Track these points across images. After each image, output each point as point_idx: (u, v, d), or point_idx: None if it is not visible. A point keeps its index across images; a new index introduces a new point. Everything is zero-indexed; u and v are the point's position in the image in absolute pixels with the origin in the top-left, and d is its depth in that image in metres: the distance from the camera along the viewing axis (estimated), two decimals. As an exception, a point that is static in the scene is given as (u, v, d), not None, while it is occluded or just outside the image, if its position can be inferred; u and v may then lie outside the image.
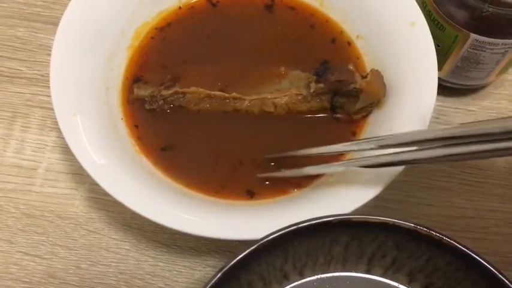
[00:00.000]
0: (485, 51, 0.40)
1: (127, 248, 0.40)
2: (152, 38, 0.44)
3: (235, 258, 0.29)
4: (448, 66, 0.43)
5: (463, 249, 0.30)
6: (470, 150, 0.29)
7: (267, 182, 0.39)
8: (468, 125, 0.29)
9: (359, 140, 0.37)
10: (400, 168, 0.35)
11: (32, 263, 0.40)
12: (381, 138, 0.33)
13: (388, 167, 0.34)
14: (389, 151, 0.33)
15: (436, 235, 0.30)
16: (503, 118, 0.28)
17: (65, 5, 0.40)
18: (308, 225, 0.30)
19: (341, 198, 0.35)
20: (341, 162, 0.37)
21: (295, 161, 0.38)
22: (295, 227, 0.30)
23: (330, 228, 0.30)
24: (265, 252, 0.30)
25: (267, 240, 0.29)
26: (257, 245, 0.29)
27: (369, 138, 0.35)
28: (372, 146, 0.33)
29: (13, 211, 0.41)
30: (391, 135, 0.33)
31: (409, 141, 0.31)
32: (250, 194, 0.38)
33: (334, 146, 0.35)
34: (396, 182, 0.36)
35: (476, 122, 0.29)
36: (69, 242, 0.40)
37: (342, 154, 0.39)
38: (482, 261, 0.29)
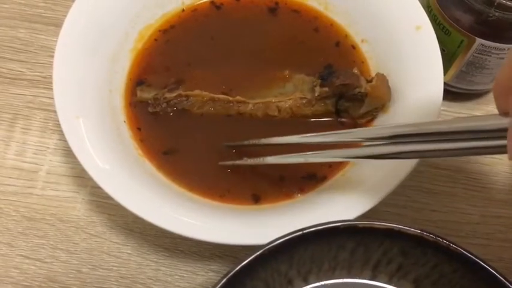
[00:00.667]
0: (490, 56, 0.40)
1: (129, 252, 0.40)
2: (156, 40, 0.44)
3: (241, 263, 0.29)
4: (453, 70, 0.43)
5: (470, 256, 0.29)
6: (461, 146, 0.27)
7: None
8: (486, 118, 0.27)
9: (326, 132, 0.34)
10: (407, 171, 0.35)
11: (32, 267, 0.39)
12: (349, 131, 0.32)
13: (398, 165, 0.33)
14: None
15: (443, 242, 0.29)
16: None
17: (67, 7, 0.40)
18: (314, 230, 0.29)
19: (346, 203, 0.35)
20: (304, 153, 0.34)
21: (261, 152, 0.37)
22: (300, 232, 0.29)
23: (335, 234, 0.30)
24: (271, 257, 0.30)
25: (273, 246, 0.29)
26: (263, 250, 0.29)
27: (338, 131, 0.33)
28: (350, 138, 0.32)
29: (13, 214, 0.41)
30: (361, 129, 0.31)
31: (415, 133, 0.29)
32: (256, 199, 0.38)
33: (292, 136, 0.34)
34: (400, 187, 0.35)
35: (469, 117, 0.27)
36: (70, 246, 0.40)
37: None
38: (490, 269, 0.29)
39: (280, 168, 0.39)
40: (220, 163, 0.39)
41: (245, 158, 0.38)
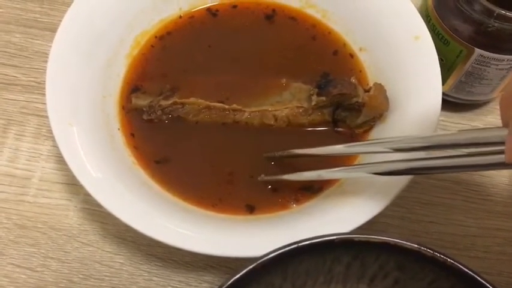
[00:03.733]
0: (490, 66, 0.39)
1: (121, 261, 0.39)
2: (152, 46, 0.44)
3: (233, 277, 0.28)
4: (451, 81, 0.42)
5: (468, 271, 0.29)
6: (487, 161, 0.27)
7: (269, 186, 0.38)
8: (490, 130, 0.27)
9: (364, 141, 0.36)
10: (403, 184, 0.34)
11: (23, 276, 0.39)
12: (389, 140, 0.32)
13: (396, 177, 0.33)
14: (399, 156, 0.31)
15: (440, 257, 0.29)
16: None
17: (63, 12, 0.40)
18: (309, 244, 0.29)
19: (343, 215, 0.34)
20: (345, 168, 0.35)
21: (296, 165, 0.37)
22: (295, 245, 0.29)
23: (331, 247, 0.29)
24: (264, 271, 0.29)
25: (267, 259, 0.28)
26: (256, 263, 0.28)
27: (375, 140, 0.33)
28: (380, 148, 0.32)
29: (5, 222, 0.40)
30: (401, 137, 0.32)
31: (422, 146, 0.30)
32: (250, 209, 0.37)
33: (336, 146, 0.34)
34: (398, 199, 0.35)
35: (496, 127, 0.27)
36: (62, 255, 0.39)
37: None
38: (488, 285, 0.28)
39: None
40: (260, 178, 0.38)
41: (285, 175, 0.37)
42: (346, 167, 0.36)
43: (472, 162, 0.28)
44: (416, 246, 0.29)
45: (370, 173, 0.32)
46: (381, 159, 0.32)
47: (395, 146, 0.31)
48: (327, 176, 0.35)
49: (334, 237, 0.29)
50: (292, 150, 0.37)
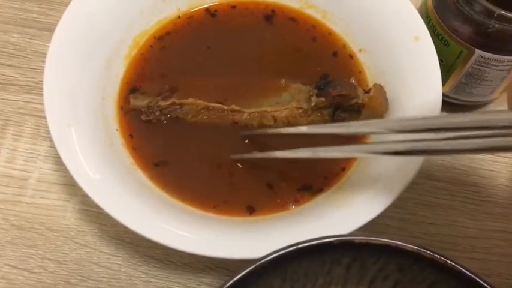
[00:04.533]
0: (490, 67, 0.39)
1: (119, 262, 0.39)
2: (151, 46, 0.43)
3: (232, 279, 0.28)
4: (451, 82, 0.42)
5: (468, 273, 0.28)
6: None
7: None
8: (497, 113, 0.26)
9: (360, 121, 0.34)
10: (403, 185, 0.34)
11: (20, 277, 0.38)
12: (387, 121, 0.31)
13: (395, 178, 0.33)
14: (400, 137, 0.30)
15: (440, 259, 0.28)
16: None
17: (61, 12, 0.39)
18: (308, 245, 0.28)
19: (342, 216, 0.34)
20: (342, 146, 0.33)
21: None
22: (295, 247, 0.28)
23: (330, 249, 0.29)
24: (263, 273, 0.29)
25: (266, 261, 0.28)
26: (255, 265, 0.28)
27: (372, 120, 0.32)
28: (377, 129, 0.30)
29: (2, 222, 0.40)
30: (401, 118, 0.30)
31: (423, 129, 0.28)
32: (250, 210, 0.37)
33: (330, 124, 0.34)
34: (398, 200, 0.35)
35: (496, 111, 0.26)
36: (59, 256, 0.39)
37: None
38: (488, 286, 0.28)
39: (276, 180, 0.38)
40: (232, 156, 0.38)
41: (254, 152, 0.37)
42: (344, 146, 0.33)
43: (478, 144, 0.26)
44: (416, 248, 0.29)
45: (368, 153, 0.31)
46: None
47: (394, 126, 0.30)
48: (323, 155, 0.33)
49: (334, 238, 0.29)
50: (277, 129, 0.36)
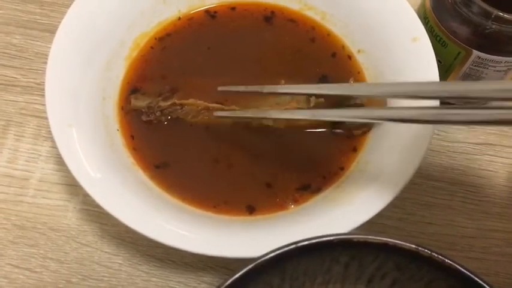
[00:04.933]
0: (487, 68, 0.40)
1: (120, 262, 0.39)
2: (151, 47, 0.44)
3: (232, 277, 0.28)
4: (449, 82, 0.43)
5: (465, 272, 0.29)
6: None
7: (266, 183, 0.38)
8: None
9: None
10: (402, 184, 0.34)
11: (21, 276, 0.39)
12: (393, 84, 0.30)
13: (393, 178, 0.33)
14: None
15: (437, 257, 0.29)
16: None
17: (63, 13, 0.40)
18: (307, 244, 0.29)
19: (341, 215, 0.34)
20: (345, 109, 0.32)
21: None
22: (294, 245, 0.29)
23: (329, 247, 0.29)
24: (263, 271, 0.29)
25: (265, 259, 0.28)
26: (254, 264, 0.28)
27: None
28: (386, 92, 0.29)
29: (4, 222, 0.40)
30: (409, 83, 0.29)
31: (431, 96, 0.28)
32: (250, 210, 0.37)
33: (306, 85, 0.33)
34: (396, 200, 0.35)
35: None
36: (61, 255, 0.39)
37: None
38: (485, 285, 0.28)
39: (275, 179, 0.39)
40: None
41: (245, 86, 0.36)
42: (345, 110, 0.32)
43: (491, 116, 0.26)
44: (413, 246, 0.29)
45: (369, 119, 0.30)
46: None
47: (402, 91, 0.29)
48: (322, 117, 0.33)
49: (333, 237, 0.29)
50: (247, 87, 0.35)
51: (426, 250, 0.29)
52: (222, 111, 0.38)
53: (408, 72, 0.40)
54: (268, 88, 0.35)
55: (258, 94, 0.38)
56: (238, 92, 0.40)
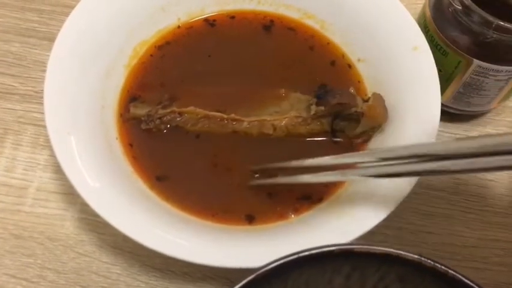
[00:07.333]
0: (488, 77, 0.40)
1: (118, 272, 0.39)
2: (151, 55, 0.44)
3: (233, 288, 0.28)
4: (450, 91, 0.42)
5: (468, 282, 0.28)
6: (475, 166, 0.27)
7: (267, 193, 0.38)
8: (466, 141, 0.28)
9: (354, 152, 0.36)
10: (403, 195, 0.34)
11: (18, 286, 0.38)
12: (378, 150, 0.32)
13: (395, 187, 0.33)
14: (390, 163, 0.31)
15: (441, 268, 0.28)
16: (501, 134, 0.27)
17: (62, 22, 0.40)
18: (309, 254, 0.28)
19: (342, 226, 0.34)
20: (340, 171, 0.34)
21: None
22: (295, 256, 0.28)
23: (331, 257, 0.29)
24: (264, 281, 0.29)
25: (266, 270, 0.28)
26: (255, 275, 0.28)
27: (364, 151, 0.34)
28: (370, 158, 0.32)
29: (1, 231, 0.40)
30: (390, 148, 0.32)
31: (412, 155, 0.30)
32: (250, 219, 0.37)
33: (327, 157, 0.34)
34: (397, 209, 0.35)
35: (474, 137, 0.27)
36: (58, 265, 0.39)
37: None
38: (488, 296, 0.28)
39: (276, 189, 0.38)
40: (251, 183, 0.38)
41: (280, 177, 0.37)
42: (343, 171, 0.34)
43: (476, 164, 0.27)
44: (416, 257, 0.29)
45: (365, 176, 0.32)
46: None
47: (385, 155, 0.31)
48: (322, 179, 0.35)
49: (334, 247, 0.29)
50: (280, 163, 0.37)
51: (429, 261, 0.29)
52: (259, 180, 0.38)
53: (409, 82, 0.40)
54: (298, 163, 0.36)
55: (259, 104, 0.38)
56: (237, 101, 0.40)
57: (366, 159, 0.33)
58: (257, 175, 0.38)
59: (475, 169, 0.28)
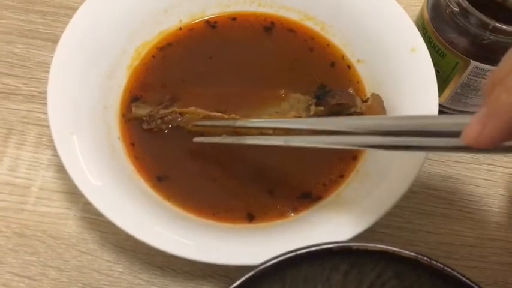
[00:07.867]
0: (485, 78, 0.40)
1: (120, 270, 0.39)
2: (153, 57, 0.44)
3: (231, 285, 0.28)
4: (447, 92, 0.43)
5: (465, 280, 0.29)
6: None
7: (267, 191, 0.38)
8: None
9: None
10: (401, 193, 0.35)
11: (21, 284, 0.39)
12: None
13: (393, 186, 0.33)
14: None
15: (437, 265, 0.29)
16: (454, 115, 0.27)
17: (65, 23, 0.40)
18: (307, 252, 0.29)
19: (340, 224, 0.35)
20: (284, 137, 0.34)
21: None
22: (294, 253, 0.29)
23: (329, 255, 0.30)
24: (262, 279, 0.29)
25: (265, 267, 0.29)
26: (254, 272, 0.28)
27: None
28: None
29: (4, 230, 0.40)
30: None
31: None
32: (250, 218, 0.38)
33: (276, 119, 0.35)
34: (395, 208, 0.35)
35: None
36: (61, 263, 0.39)
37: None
38: (484, 293, 0.29)
39: (275, 187, 0.39)
40: (195, 139, 0.39)
41: (223, 136, 0.38)
42: (318, 137, 0.33)
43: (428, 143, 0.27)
44: (413, 254, 0.29)
45: (341, 145, 0.32)
46: None
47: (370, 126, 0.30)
48: (294, 144, 0.34)
49: (333, 245, 0.29)
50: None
51: (426, 258, 0.29)
52: (201, 137, 0.39)
53: (407, 82, 0.40)
54: (239, 123, 0.38)
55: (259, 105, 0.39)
56: (238, 102, 0.41)
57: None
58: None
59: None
